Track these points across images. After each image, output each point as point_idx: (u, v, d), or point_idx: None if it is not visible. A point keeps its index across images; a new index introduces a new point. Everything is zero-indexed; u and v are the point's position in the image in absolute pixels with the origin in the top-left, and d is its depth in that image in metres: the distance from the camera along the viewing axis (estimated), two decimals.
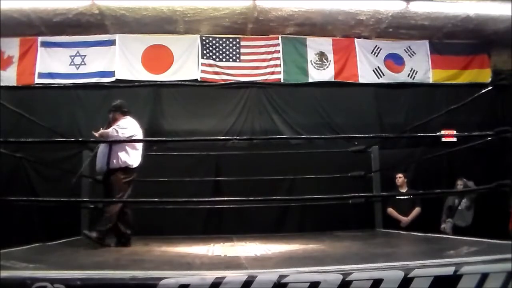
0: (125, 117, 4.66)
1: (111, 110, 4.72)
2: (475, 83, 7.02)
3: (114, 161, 4.41)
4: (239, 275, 2.06)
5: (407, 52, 7.44)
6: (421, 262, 2.21)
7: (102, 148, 4.54)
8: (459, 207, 6.04)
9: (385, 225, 5.94)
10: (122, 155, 4.42)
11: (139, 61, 7.04)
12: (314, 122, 7.04)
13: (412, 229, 5.62)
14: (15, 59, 6.88)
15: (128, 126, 4.54)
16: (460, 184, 6.12)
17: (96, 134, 4.52)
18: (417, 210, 6.03)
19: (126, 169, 4.45)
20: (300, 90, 7.21)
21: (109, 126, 4.62)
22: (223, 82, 7.05)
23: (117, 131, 4.46)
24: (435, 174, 6.71)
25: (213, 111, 7.02)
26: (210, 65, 7.16)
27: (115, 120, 4.63)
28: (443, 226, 6.07)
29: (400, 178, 6.18)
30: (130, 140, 4.47)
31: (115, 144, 4.43)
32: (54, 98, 6.71)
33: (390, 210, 6.12)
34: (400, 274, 2.08)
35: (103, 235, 4.24)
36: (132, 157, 4.49)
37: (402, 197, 6.18)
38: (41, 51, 6.95)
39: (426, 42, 7.46)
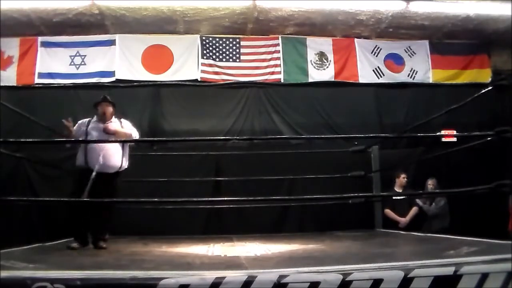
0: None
1: (112, 104, 4.45)
2: (475, 83, 7.01)
3: (124, 162, 4.39)
4: (239, 275, 2.07)
5: (407, 52, 7.43)
6: (421, 262, 2.21)
7: (112, 146, 4.26)
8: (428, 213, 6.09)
9: (384, 226, 5.93)
10: (127, 157, 4.46)
11: (139, 61, 7.03)
12: (314, 122, 7.02)
13: (411, 229, 5.61)
14: (15, 59, 6.86)
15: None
16: (430, 184, 6.12)
17: (112, 130, 4.27)
18: (414, 209, 5.98)
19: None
20: (300, 90, 7.20)
21: (103, 118, 4.36)
22: (223, 82, 7.05)
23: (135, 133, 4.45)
24: (435, 174, 6.69)
25: (213, 111, 7.00)
26: (210, 65, 7.15)
27: (111, 115, 4.41)
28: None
29: (404, 178, 6.11)
30: (132, 140, 4.44)
31: (126, 144, 4.40)
32: (54, 98, 6.68)
33: (387, 211, 6.01)
34: (400, 274, 2.09)
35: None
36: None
37: (399, 198, 6.13)
38: (41, 51, 6.93)
39: (426, 42, 7.44)
